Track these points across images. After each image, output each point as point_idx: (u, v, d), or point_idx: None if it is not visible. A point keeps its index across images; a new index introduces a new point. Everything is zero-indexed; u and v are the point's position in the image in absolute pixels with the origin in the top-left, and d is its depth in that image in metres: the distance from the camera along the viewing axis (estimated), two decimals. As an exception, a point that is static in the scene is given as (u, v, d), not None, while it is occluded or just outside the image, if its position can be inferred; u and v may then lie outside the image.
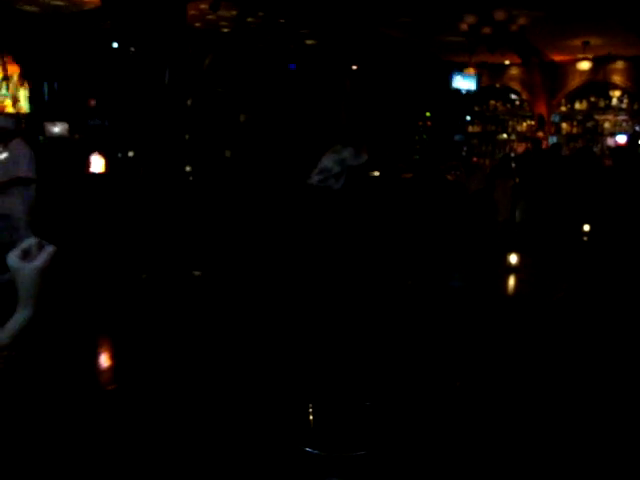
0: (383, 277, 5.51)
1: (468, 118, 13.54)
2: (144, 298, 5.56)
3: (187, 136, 5.60)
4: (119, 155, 7.23)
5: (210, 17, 8.66)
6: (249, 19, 8.87)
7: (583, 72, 11.65)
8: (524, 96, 13.13)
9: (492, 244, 6.73)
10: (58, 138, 8.43)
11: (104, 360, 4.51)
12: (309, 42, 10.65)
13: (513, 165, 9.59)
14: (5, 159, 5.77)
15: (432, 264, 5.44)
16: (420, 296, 4.39)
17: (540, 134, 12.30)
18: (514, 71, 13.03)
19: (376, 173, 10.36)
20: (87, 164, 7.68)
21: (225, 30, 9.72)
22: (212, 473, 2.52)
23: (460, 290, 4.41)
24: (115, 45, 8.17)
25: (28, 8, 8.71)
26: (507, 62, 12.65)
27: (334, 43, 10.43)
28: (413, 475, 2.19)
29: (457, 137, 13.42)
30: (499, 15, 7.43)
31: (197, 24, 9.15)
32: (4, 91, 8.90)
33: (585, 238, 6.84)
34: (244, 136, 9.92)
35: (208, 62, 6.64)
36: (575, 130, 12.66)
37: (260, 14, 8.77)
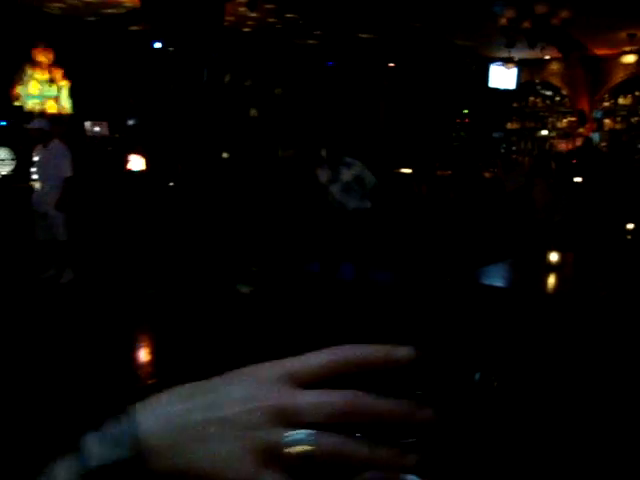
0: (422, 274, 5.46)
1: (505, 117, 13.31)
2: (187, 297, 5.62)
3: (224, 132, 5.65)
4: (158, 153, 7.33)
5: (251, 16, 8.71)
6: (287, 15, 8.89)
7: (628, 66, 11.33)
8: (565, 92, 12.83)
9: (531, 242, 6.60)
10: (98, 137, 8.60)
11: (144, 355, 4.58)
12: (347, 39, 10.62)
13: (553, 163, 9.39)
14: (44, 159, 5.92)
15: (469, 262, 5.36)
16: (459, 294, 4.32)
17: (581, 130, 12.01)
18: (554, 66, 12.75)
19: (408, 170, 10.29)
20: (125, 162, 7.81)
21: (268, 27, 9.76)
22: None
23: (496, 288, 4.33)
24: (155, 45, 8.28)
25: (68, 12, 8.89)
26: (547, 57, 12.39)
27: (372, 40, 10.38)
28: (463, 462, 2.15)
29: (495, 134, 13.21)
30: (540, 8, 7.27)
31: (228, 20, 9.22)
32: (48, 92, 9.12)
33: (629, 237, 6.66)
34: (280, 132, 9.96)
35: (249, 60, 6.68)
36: (619, 126, 12.31)
37: (296, 13, 8.79)
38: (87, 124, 8.71)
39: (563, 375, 3.33)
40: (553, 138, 13.04)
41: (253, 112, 8.71)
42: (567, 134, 12.62)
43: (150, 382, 3.81)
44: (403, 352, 0.43)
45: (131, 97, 9.57)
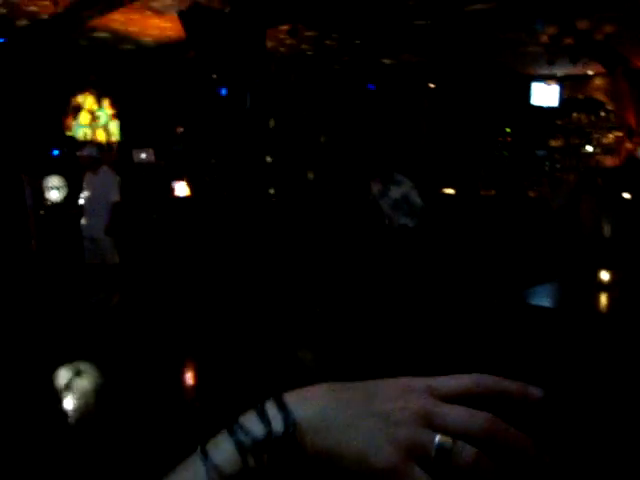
0: (466, 295, 5.39)
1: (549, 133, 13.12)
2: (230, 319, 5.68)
3: (269, 159, 5.75)
4: (203, 179, 7.49)
5: (290, 42, 8.88)
6: (327, 41, 9.02)
7: (674, 79, 11.07)
8: (610, 107, 12.59)
9: (579, 261, 6.46)
10: (145, 164, 8.84)
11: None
12: (387, 62, 10.70)
13: (599, 179, 9.20)
14: (93, 185, 6.14)
15: (517, 282, 5.28)
16: (506, 315, 4.26)
17: (628, 145, 11.75)
18: (598, 81, 12.54)
19: (450, 191, 10.22)
20: (172, 188, 8.00)
21: (308, 53, 9.93)
22: None
23: (545, 309, 4.25)
24: (198, 74, 8.51)
25: (117, 45, 9.23)
26: (590, 72, 12.21)
27: (412, 62, 10.43)
28: None
29: (539, 152, 13.02)
30: (582, 24, 7.20)
31: (280, 49, 9.41)
32: (97, 121, 9.45)
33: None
34: (326, 157, 10.04)
35: (290, 83, 6.80)
36: (668, 141, 11.99)
37: (336, 36, 8.91)
38: (134, 151, 8.96)
39: (614, 396, 3.24)
40: (599, 154, 12.78)
41: (322, 139, 8.85)
42: (613, 150, 12.35)
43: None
44: (536, 391, 0.47)
45: (177, 124, 9.83)
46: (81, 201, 6.35)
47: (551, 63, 8.78)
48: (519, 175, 11.34)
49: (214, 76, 7.55)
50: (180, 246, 7.06)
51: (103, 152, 7.47)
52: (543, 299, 4.27)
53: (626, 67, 11.17)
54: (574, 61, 8.16)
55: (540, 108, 11.73)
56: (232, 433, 0.46)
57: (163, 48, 9.23)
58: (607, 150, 12.62)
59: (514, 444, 0.44)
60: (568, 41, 7.69)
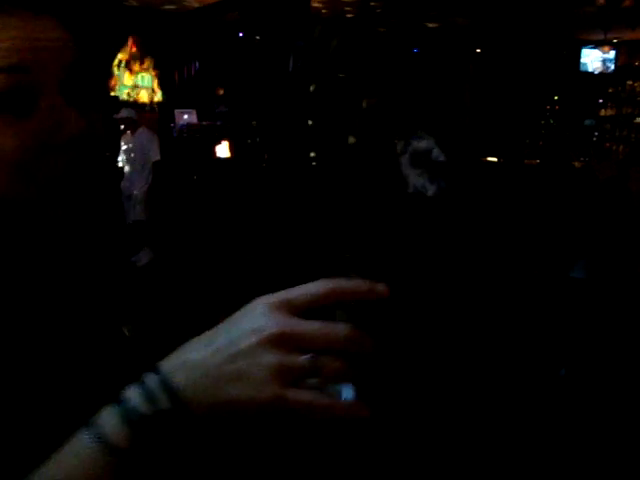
0: (511, 266, 5.33)
1: (600, 101, 12.66)
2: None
3: (310, 122, 5.69)
4: (246, 141, 7.49)
5: (334, 4, 8.72)
6: (372, 3, 8.82)
7: None
8: (667, 75, 12.06)
9: (626, 236, 6.28)
10: (187, 124, 8.88)
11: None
12: (432, 25, 10.43)
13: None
14: (134, 146, 6.24)
15: (558, 254, 5.19)
16: (545, 286, 4.20)
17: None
18: (656, 48, 11.98)
19: (493, 159, 9.99)
20: (214, 150, 8.03)
21: (349, 15, 9.74)
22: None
23: (583, 281, 4.18)
24: (241, 35, 8.44)
25: (160, 6, 9.20)
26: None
27: (457, 25, 10.14)
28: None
29: (587, 122, 12.60)
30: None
31: (323, 11, 9.25)
32: (141, 82, 9.50)
33: None
34: (367, 121, 9.91)
35: (333, 47, 6.69)
36: None
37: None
38: (177, 112, 9.01)
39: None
40: (652, 125, 12.29)
41: (364, 103, 8.78)
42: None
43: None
44: (382, 288, 0.49)
45: (219, 86, 9.81)
46: (120, 163, 6.46)
47: (606, 28, 8.42)
48: (565, 144, 11.02)
49: (257, 38, 7.48)
50: (216, 209, 7.10)
51: (141, 113, 7.54)
52: (586, 272, 4.19)
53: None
54: (632, 26, 7.79)
55: (591, 75, 11.30)
56: (116, 406, 0.46)
57: (206, 9, 9.17)
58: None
59: (367, 351, 0.47)
60: (627, 3, 7.33)
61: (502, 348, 3.55)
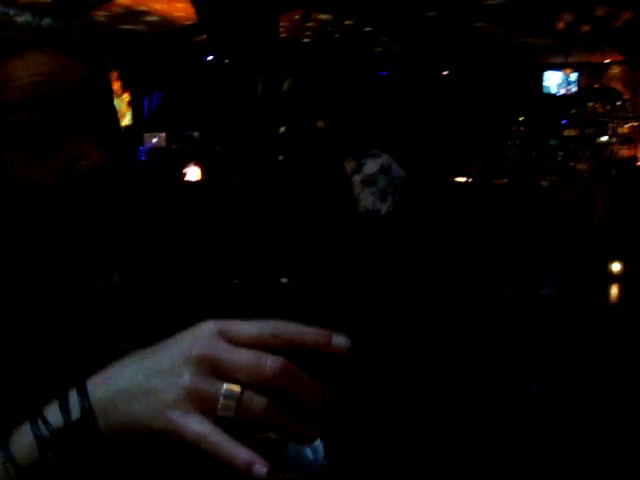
0: (478, 285, 5.37)
1: (564, 122, 12.99)
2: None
3: (280, 157, 5.70)
4: (214, 164, 7.48)
5: (301, 28, 8.82)
6: (337, 29, 8.95)
7: (693, 69, 10.90)
8: (626, 96, 12.43)
9: (590, 252, 6.40)
10: (156, 148, 8.84)
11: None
12: (398, 49, 10.61)
13: (613, 170, 9.11)
14: None
15: (527, 272, 5.25)
16: (515, 304, 4.24)
17: (644, 136, 11.62)
18: (615, 70, 12.38)
19: (462, 179, 10.14)
20: (183, 173, 8.00)
21: (306, 40, 9.85)
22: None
23: (553, 298, 4.23)
24: (210, 58, 8.46)
25: (128, 27, 9.20)
26: (607, 61, 12.04)
27: (424, 49, 10.33)
28: None
29: (552, 142, 12.90)
30: (600, 10, 7.08)
31: (283, 35, 9.35)
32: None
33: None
34: (319, 142, 10.00)
35: (302, 69, 6.75)
36: (684, 131, 11.85)
37: (347, 22, 8.83)
38: (145, 135, 8.97)
39: (618, 387, 3.22)
40: (614, 144, 12.64)
41: (319, 124, 8.82)
42: (629, 140, 12.21)
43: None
44: (342, 341, 0.44)
45: (188, 110, 9.80)
46: None
47: (567, 51, 8.66)
48: (532, 164, 11.25)
49: (226, 61, 7.52)
50: (189, 228, 7.06)
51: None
52: (553, 289, 4.25)
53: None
54: (591, 49, 8.03)
55: (554, 97, 11.60)
56: (32, 424, 0.45)
57: (175, 32, 9.19)
58: (623, 140, 12.47)
59: (305, 392, 0.43)
60: (585, 28, 7.57)
61: (472, 367, 3.55)
